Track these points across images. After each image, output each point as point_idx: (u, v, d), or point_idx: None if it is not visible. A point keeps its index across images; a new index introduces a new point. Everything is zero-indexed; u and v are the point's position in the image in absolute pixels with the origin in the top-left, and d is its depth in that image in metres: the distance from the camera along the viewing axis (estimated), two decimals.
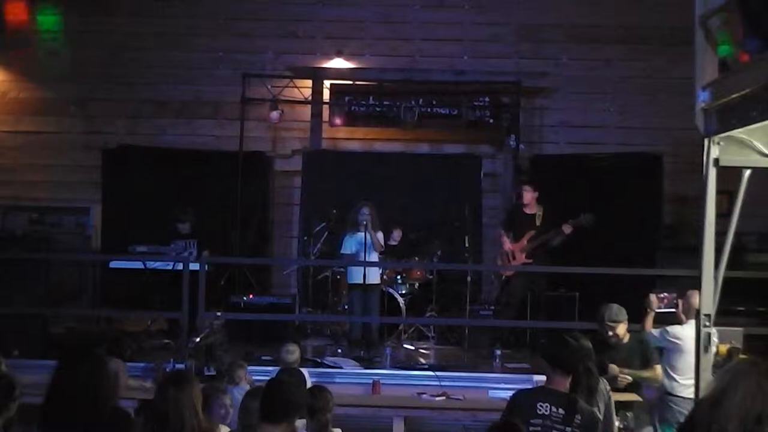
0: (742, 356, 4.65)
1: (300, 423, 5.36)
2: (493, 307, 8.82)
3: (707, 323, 4.52)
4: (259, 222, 10.40)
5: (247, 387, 5.54)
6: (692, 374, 5.57)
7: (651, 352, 6.02)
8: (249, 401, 4.36)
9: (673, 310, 6.47)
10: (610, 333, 5.92)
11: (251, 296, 8.71)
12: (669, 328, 6.18)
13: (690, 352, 5.80)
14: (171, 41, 10.61)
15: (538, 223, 8.52)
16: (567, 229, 8.31)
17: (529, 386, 4.94)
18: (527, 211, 8.64)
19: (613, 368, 5.79)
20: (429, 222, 9.75)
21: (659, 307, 6.50)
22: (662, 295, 6.53)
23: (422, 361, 7.97)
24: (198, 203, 9.02)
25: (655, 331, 6.13)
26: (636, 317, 6.27)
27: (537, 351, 6.64)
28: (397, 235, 9.03)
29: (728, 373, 2.95)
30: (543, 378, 4.20)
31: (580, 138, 10.55)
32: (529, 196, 8.61)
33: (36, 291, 8.01)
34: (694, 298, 6.01)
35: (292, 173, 10.67)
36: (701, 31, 4.56)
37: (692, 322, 6.00)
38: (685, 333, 6.04)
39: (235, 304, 8.50)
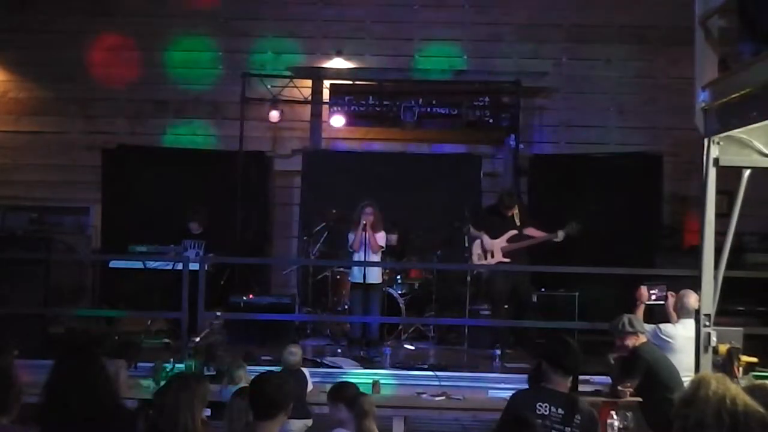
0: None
1: (302, 423, 5.38)
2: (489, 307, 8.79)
3: (707, 323, 4.52)
4: (259, 222, 10.40)
5: None
6: (684, 373, 5.60)
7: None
8: (235, 400, 4.38)
9: (663, 302, 6.48)
10: (618, 344, 5.92)
11: (251, 296, 8.71)
12: (662, 326, 6.18)
13: (681, 352, 5.82)
14: (171, 41, 10.61)
15: (518, 222, 8.49)
16: (560, 235, 8.24)
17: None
18: (506, 212, 8.57)
19: (624, 393, 5.82)
20: (429, 222, 9.75)
21: (649, 300, 6.51)
22: (653, 289, 6.54)
23: (422, 361, 7.96)
24: (198, 203, 9.01)
25: (649, 327, 6.12)
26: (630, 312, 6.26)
27: (538, 351, 6.63)
28: (392, 238, 9.01)
29: (695, 379, 3.27)
30: None
31: (580, 138, 10.55)
32: (513, 211, 8.56)
33: (36, 291, 8.01)
34: (688, 298, 6.02)
35: (292, 173, 10.66)
36: (701, 31, 4.56)
37: (684, 322, 6.02)
38: (678, 332, 6.05)
39: (235, 304, 8.50)
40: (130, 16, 10.62)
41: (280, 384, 3.75)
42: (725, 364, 4.52)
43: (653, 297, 6.55)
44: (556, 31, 10.62)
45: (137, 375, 6.60)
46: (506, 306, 8.44)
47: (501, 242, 8.45)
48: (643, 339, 5.90)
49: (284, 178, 10.71)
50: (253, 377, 4.01)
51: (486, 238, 8.48)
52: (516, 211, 8.51)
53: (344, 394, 4.76)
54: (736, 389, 3.07)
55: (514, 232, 8.45)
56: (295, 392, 4.14)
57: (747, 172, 4.64)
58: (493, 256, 8.47)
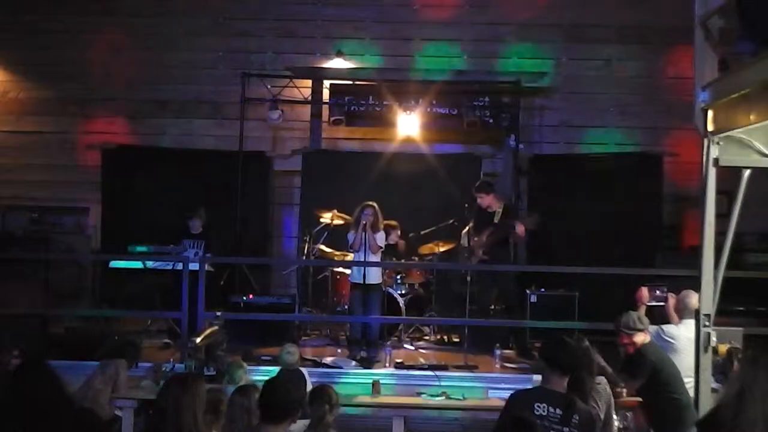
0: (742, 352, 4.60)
1: (301, 423, 5.37)
2: (493, 307, 8.78)
3: (707, 323, 4.52)
4: (259, 222, 10.40)
5: None
6: (686, 373, 5.59)
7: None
8: (236, 399, 4.37)
9: (663, 303, 6.48)
10: (626, 341, 5.89)
11: (251, 296, 8.71)
12: (664, 327, 6.18)
13: (683, 352, 5.82)
14: (171, 41, 10.62)
15: (496, 220, 8.44)
16: (519, 228, 8.13)
17: (528, 386, 4.93)
18: (488, 210, 8.45)
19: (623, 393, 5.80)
20: (429, 222, 9.73)
21: (650, 301, 6.50)
22: (653, 291, 6.54)
23: (422, 361, 7.96)
24: (198, 203, 9.02)
25: (651, 328, 6.11)
26: None
27: (537, 352, 6.63)
28: (395, 235, 9.02)
29: (751, 372, 2.99)
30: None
31: (580, 138, 10.55)
32: (486, 200, 8.47)
33: (36, 291, 8.01)
34: (690, 299, 6.02)
35: (292, 173, 10.66)
36: (701, 31, 4.56)
37: (686, 322, 6.01)
38: (680, 333, 6.04)
39: (235, 304, 8.50)
40: (130, 16, 10.63)
41: (292, 391, 3.76)
42: (725, 364, 4.52)
43: (654, 299, 6.54)
44: (556, 31, 10.62)
45: (137, 375, 6.59)
46: (492, 307, 8.42)
47: (479, 241, 8.36)
48: (648, 337, 5.89)
49: (284, 178, 10.71)
50: (266, 380, 4.00)
51: (464, 238, 8.43)
52: (499, 209, 8.40)
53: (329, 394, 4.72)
54: None
55: (491, 230, 8.30)
56: (303, 399, 4.14)
57: (747, 172, 4.64)
58: (474, 254, 8.40)
